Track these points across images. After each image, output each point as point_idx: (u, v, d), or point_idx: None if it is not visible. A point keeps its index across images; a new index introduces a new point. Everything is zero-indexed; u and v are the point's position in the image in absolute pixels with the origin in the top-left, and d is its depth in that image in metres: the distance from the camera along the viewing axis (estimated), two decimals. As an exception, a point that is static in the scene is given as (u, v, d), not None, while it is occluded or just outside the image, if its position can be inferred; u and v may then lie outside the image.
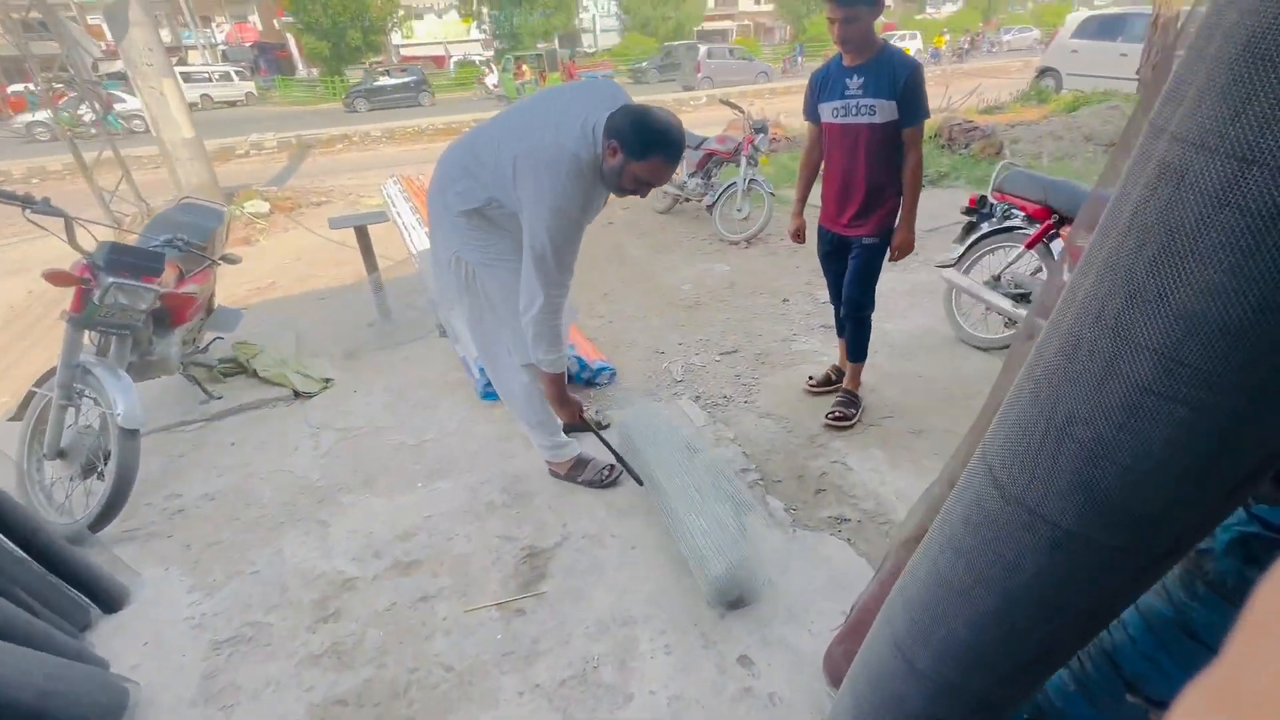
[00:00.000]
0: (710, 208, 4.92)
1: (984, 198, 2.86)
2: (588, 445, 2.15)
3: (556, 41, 33.73)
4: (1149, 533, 0.51)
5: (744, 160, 4.72)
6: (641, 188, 1.57)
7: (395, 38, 31.21)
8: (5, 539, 1.54)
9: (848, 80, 1.99)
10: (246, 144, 11.80)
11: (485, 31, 30.45)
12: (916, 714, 0.80)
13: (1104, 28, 10.43)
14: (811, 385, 2.58)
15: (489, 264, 1.76)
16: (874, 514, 1.94)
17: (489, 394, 2.66)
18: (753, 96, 14.42)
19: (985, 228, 2.80)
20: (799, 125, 9.01)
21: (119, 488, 1.89)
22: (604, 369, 2.81)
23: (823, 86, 2.08)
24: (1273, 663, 0.20)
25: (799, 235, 2.40)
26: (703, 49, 20.62)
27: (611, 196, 1.71)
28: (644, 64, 23.76)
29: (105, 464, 1.99)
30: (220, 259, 2.67)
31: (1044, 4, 40.98)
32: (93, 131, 7.92)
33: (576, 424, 1.98)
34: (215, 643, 1.62)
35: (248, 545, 1.94)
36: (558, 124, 1.53)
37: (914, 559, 0.81)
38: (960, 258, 2.87)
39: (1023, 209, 2.62)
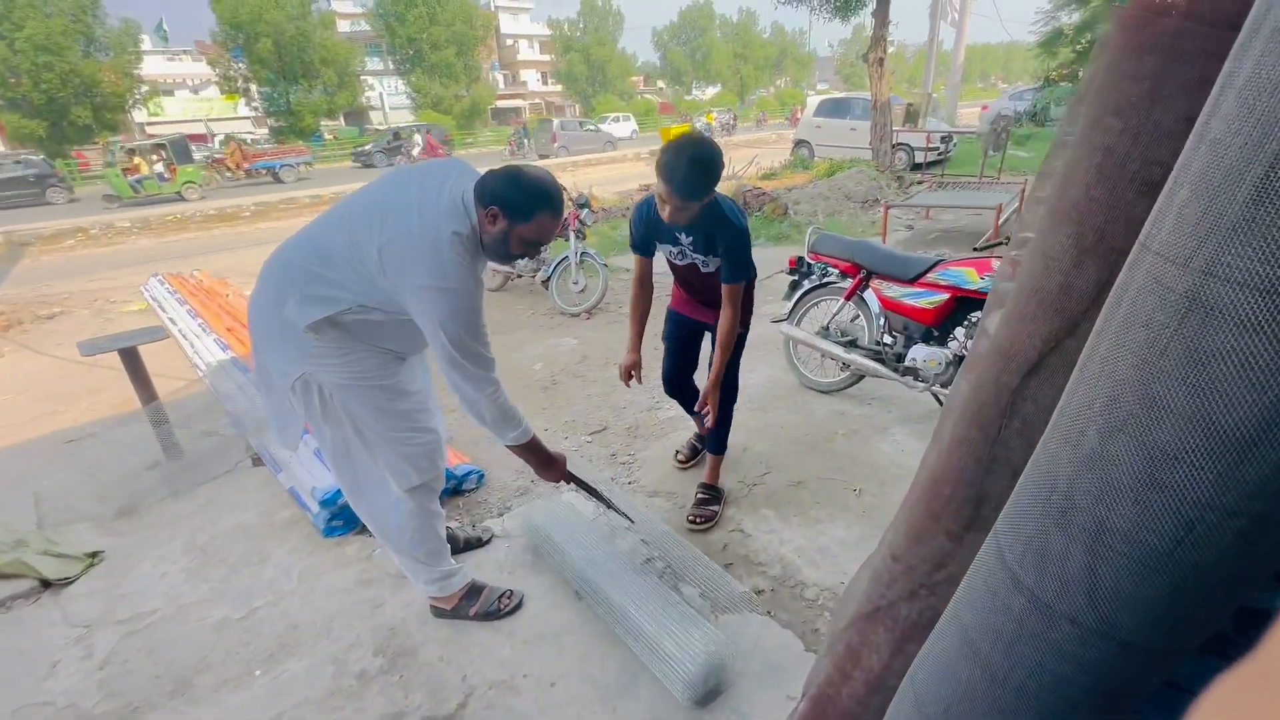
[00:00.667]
0: (545, 283, 4.88)
1: (801, 258, 3.21)
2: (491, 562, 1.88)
3: (343, 119, 32.22)
4: (1198, 632, 0.52)
5: (572, 235, 4.80)
6: (529, 249, 1.46)
7: (140, 115, 27.26)
8: None
9: (679, 234, 1.95)
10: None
11: (256, 109, 27.99)
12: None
13: (834, 108, 12.91)
14: (681, 463, 2.57)
15: (350, 384, 1.49)
16: (783, 579, 1.94)
17: (333, 529, 2.24)
18: (556, 171, 15.07)
19: (807, 284, 3.13)
20: (610, 195, 9.55)
21: None
22: (470, 472, 2.53)
23: (654, 228, 1.99)
24: None
25: (632, 372, 2.17)
26: (556, 121, 23.20)
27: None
28: (368, 146, 21.74)
29: None
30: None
31: (785, 89, 49.94)
32: None
33: (566, 479, 1.80)
34: None
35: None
36: (419, 206, 1.36)
37: (916, 663, 0.77)
38: (791, 312, 3.17)
39: (836, 266, 2.98)
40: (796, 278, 3.21)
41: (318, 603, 1.93)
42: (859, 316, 2.97)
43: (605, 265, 4.72)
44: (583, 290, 4.71)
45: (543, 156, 20.64)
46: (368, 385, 1.51)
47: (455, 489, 2.48)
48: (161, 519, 2.43)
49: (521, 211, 1.38)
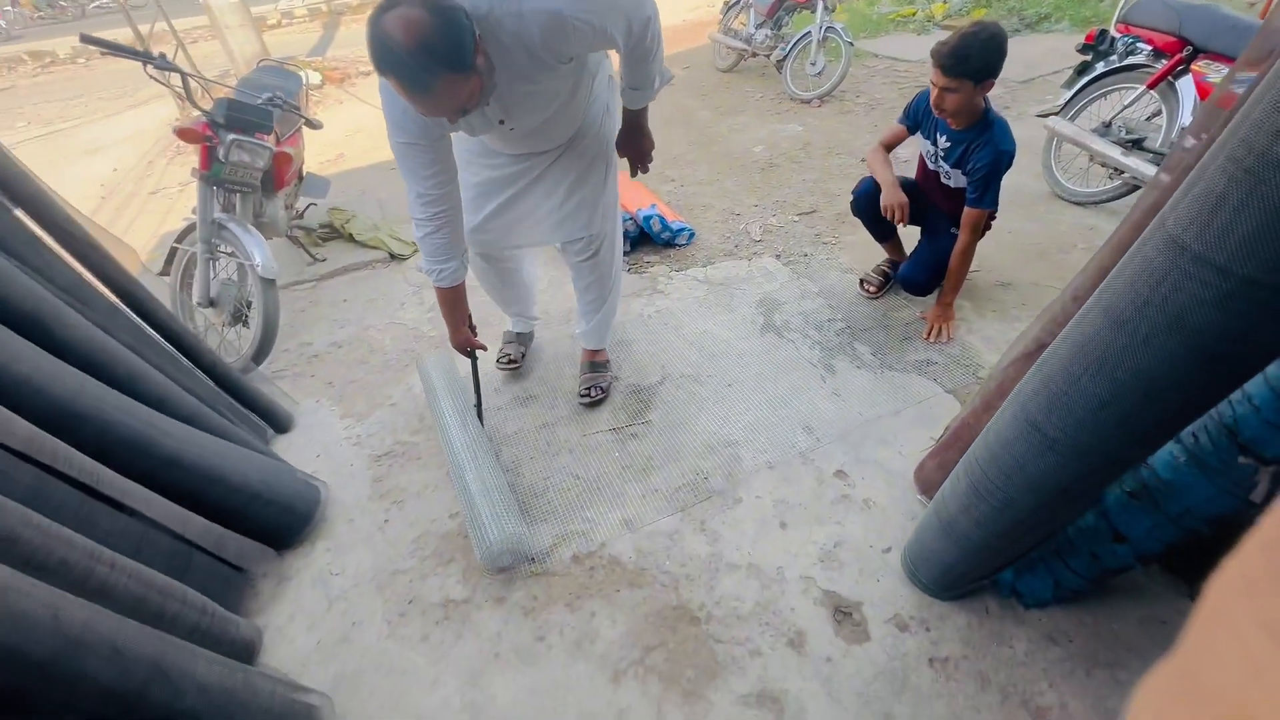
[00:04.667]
0: (780, 63, 4.58)
1: (1104, 32, 2.60)
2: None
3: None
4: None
5: (820, 6, 4.30)
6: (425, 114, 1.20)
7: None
8: (199, 370, 1.79)
9: (939, 134, 1.93)
10: (276, 13, 11.29)
11: None
12: (1041, 476, 0.92)
13: None
14: (870, 293, 2.32)
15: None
16: (960, 358, 2.01)
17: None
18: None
19: (1101, 67, 2.57)
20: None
21: (267, 330, 2.12)
22: (683, 229, 2.84)
23: (924, 118, 1.97)
24: (1227, 654, 0.19)
25: (903, 212, 1.99)
26: None
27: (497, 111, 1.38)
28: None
29: (249, 311, 2.22)
30: (306, 122, 2.73)
31: None
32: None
33: (463, 351, 1.75)
34: (375, 456, 1.89)
35: (382, 384, 2.18)
36: None
37: (1054, 344, 0.89)
38: (1067, 103, 2.67)
39: (1150, 42, 2.38)
40: (1090, 58, 2.64)
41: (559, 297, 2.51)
42: (1160, 112, 2.42)
43: (851, 45, 4.23)
44: (819, 73, 4.35)
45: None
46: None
47: (669, 241, 2.82)
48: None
49: (373, 62, 1.09)
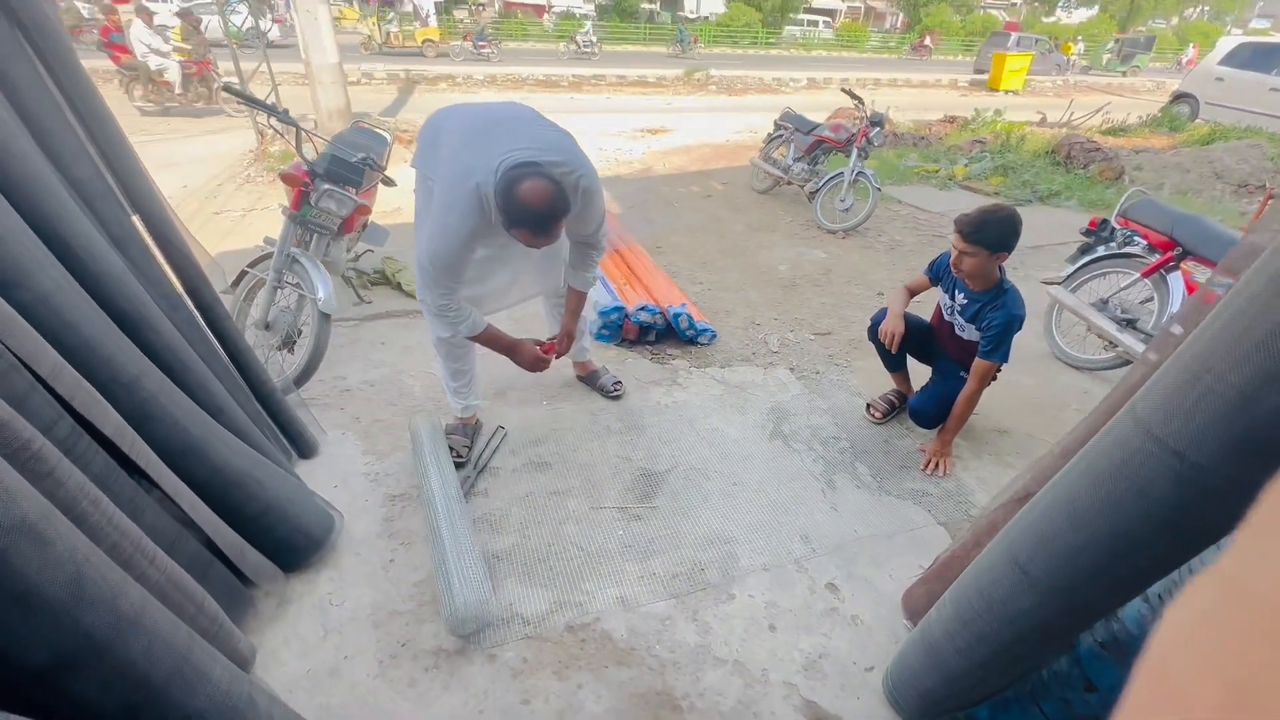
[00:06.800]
0: (812, 195, 5.01)
1: (1105, 221, 2.91)
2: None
3: (658, 3, 33.21)
4: (1266, 462, 0.71)
5: (855, 152, 4.77)
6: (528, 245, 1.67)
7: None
8: (245, 384, 1.92)
9: (957, 291, 2.14)
10: (359, 72, 12.37)
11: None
12: (1021, 613, 1.02)
13: (1258, 57, 9.65)
14: (875, 418, 2.47)
15: None
16: (953, 494, 2.13)
17: (601, 335, 2.94)
18: (858, 87, 14.05)
19: (1102, 250, 2.86)
20: (907, 121, 8.83)
21: (313, 359, 2.27)
22: (706, 329, 3.04)
23: (944, 274, 2.18)
24: (1278, 563, 0.20)
25: (895, 341, 2.22)
26: (1012, 36, 18.86)
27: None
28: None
29: (298, 339, 2.37)
30: (383, 179, 3.01)
31: (1191, 21, 37.55)
32: (251, 43, 8.47)
33: (543, 365, 2.10)
34: (390, 495, 1.97)
35: (406, 427, 2.29)
36: (485, 150, 1.60)
37: (1041, 493, 1.02)
38: (1070, 276, 2.94)
39: (1146, 237, 2.67)
40: (1091, 241, 2.94)
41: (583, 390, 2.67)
42: (1151, 299, 2.67)
43: (879, 190, 4.66)
44: (848, 209, 4.75)
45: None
46: None
47: (692, 339, 3.01)
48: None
49: (507, 219, 1.58)
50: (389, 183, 3.04)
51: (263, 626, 1.54)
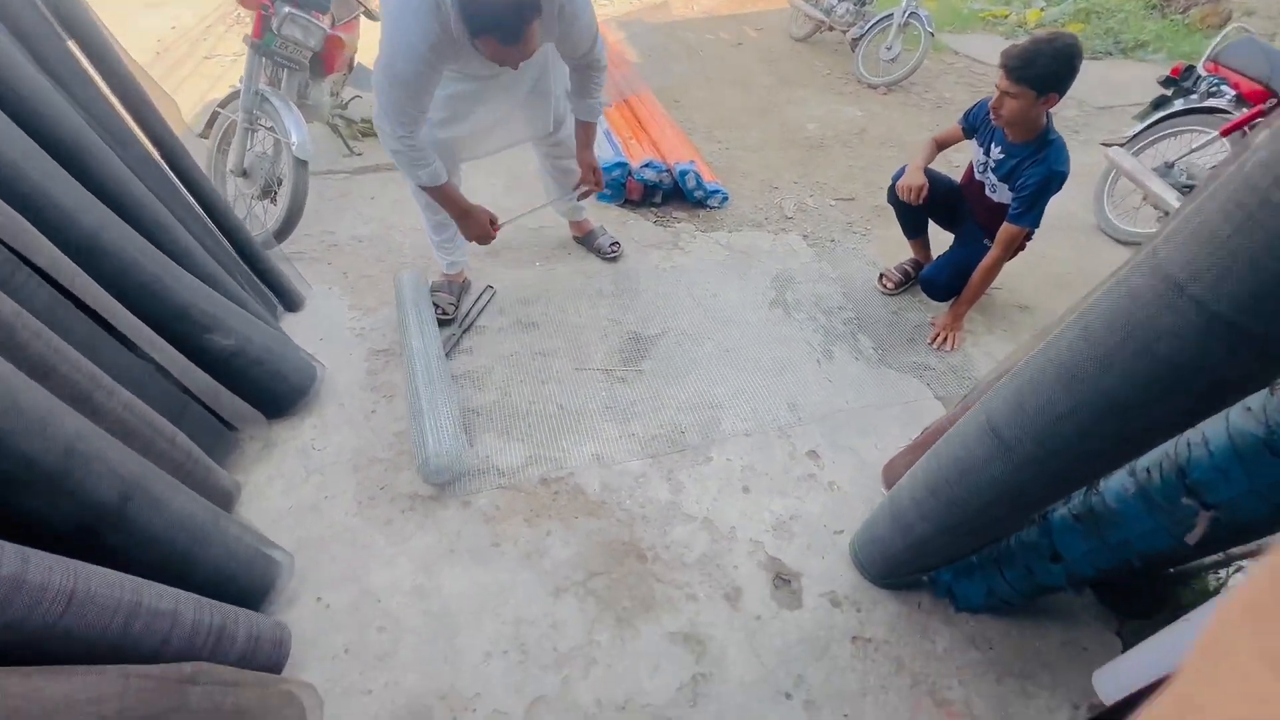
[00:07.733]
0: (855, 42, 4.41)
1: (1191, 68, 2.48)
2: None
3: None
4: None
5: (911, -14, 4.11)
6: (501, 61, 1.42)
7: None
8: (223, 236, 1.84)
9: (993, 145, 1.88)
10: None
11: None
12: (990, 480, 0.95)
13: None
14: (887, 288, 2.31)
15: None
16: (958, 368, 2.02)
17: (603, 195, 2.74)
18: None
19: (1179, 104, 2.47)
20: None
21: (293, 210, 2.17)
22: (717, 191, 2.81)
23: (981, 125, 1.93)
24: (1230, 686, 0.19)
25: (918, 194, 2.00)
26: None
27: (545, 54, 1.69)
28: None
29: (278, 189, 2.26)
30: (365, 11, 2.70)
31: None
32: None
33: (484, 239, 1.87)
34: (374, 350, 1.96)
35: (393, 282, 2.23)
36: None
37: (1030, 356, 0.91)
38: (1134, 136, 2.58)
39: (1236, 87, 2.27)
40: (1170, 92, 2.53)
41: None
42: (1227, 162, 2.33)
43: (932, 35, 4.05)
44: (893, 59, 4.19)
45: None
46: None
47: (702, 200, 2.80)
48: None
49: (470, 28, 1.33)
50: (372, 16, 2.73)
51: (248, 466, 1.59)
